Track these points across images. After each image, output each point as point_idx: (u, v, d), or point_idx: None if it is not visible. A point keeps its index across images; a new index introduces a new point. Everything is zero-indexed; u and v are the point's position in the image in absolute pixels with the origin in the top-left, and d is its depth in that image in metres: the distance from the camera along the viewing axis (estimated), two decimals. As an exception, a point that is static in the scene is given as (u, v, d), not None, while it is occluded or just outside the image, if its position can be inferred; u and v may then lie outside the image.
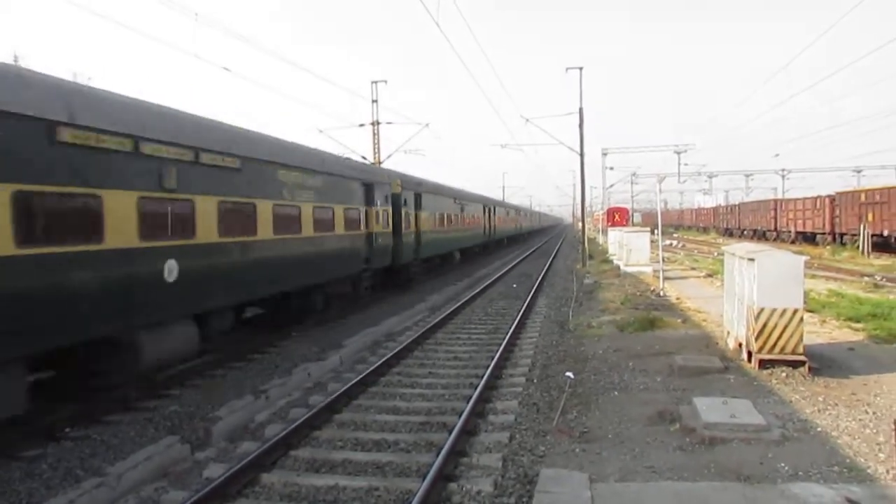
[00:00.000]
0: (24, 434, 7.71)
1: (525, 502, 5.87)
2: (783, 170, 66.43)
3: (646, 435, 7.23)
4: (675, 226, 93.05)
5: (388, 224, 20.55)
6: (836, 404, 8.01)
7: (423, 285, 24.24)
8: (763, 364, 9.44)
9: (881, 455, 6.36)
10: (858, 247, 35.25)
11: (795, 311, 9.28)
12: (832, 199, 41.86)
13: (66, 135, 7.60)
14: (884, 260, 30.78)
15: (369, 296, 19.29)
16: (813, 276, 21.76)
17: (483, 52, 23.15)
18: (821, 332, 12.37)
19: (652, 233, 28.31)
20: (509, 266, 33.60)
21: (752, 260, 9.63)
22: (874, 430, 7.08)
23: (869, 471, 6.02)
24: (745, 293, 9.97)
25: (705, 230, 76.82)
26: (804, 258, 9.87)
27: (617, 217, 39.45)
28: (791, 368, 9.27)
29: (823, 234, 42.58)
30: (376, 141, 33.34)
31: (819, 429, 7.16)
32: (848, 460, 6.27)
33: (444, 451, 6.77)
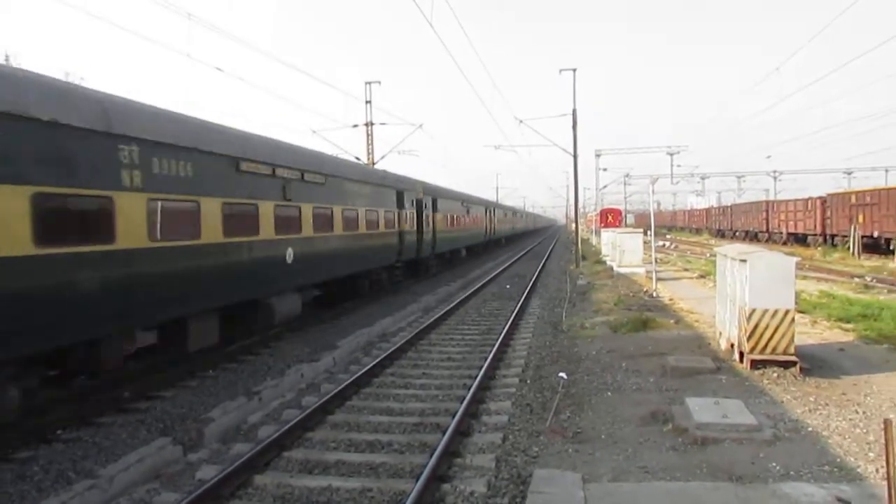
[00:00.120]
0: (16, 436, 7.66)
1: (518, 503, 5.88)
2: (775, 171, 66.86)
3: (638, 435, 7.26)
4: (667, 227, 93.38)
5: (413, 225, 24.40)
6: (827, 404, 8.07)
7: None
8: (755, 364, 9.49)
9: (871, 454, 6.41)
10: (849, 248, 35.51)
11: (787, 312, 9.34)
12: (823, 200, 42.13)
13: (243, 166, 11.71)
14: (874, 261, 31.01)
15: (400, 282, 23.71)
16: (804, 277, 21.91)
17: (476, 54, 23.30)
18: (812, 333, 12.45)
19: (645, 234, 28.43)
20: (503, 267, 33.65)
21: (743, 261, 9.68)
22: (864, 430, 7.13)
23: (859, 470, 6.06)
24: (737, 294, 10.02)
25: (698, 231, 77.15)
26: (795, 259, 9.93)
27: (610, 218, 39.49)
28: (782, 369, 9.33)
29: (814, 235, 42.83)
30: (370, 142, 33.31)
31: (810, 429, 7.21)
32: (838, 460, 6.32)
33: (437, 452, 6.78)
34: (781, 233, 48.29)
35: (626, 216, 52.46)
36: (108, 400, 9.26)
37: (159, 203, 9.36)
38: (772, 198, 60.31)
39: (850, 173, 63.19)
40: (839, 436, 6.99)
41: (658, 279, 20.54)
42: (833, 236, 39.82)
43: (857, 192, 38.11)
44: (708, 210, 77.23)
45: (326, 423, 8.50)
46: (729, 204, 69.75)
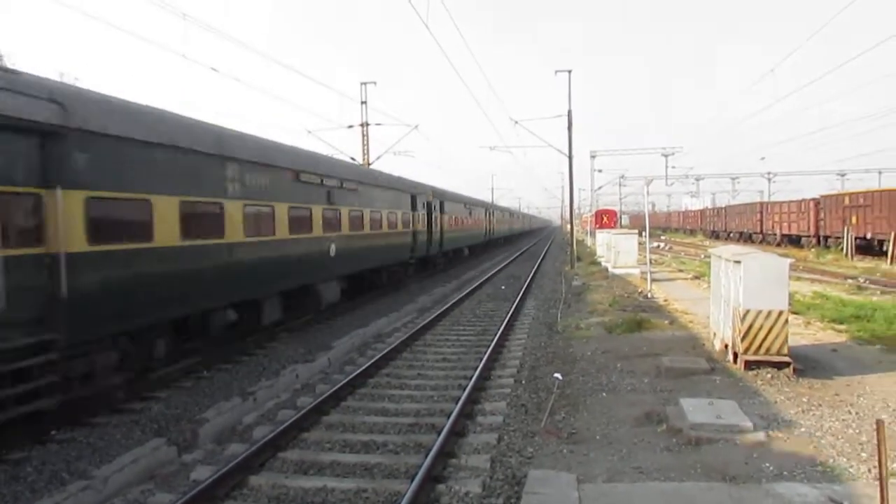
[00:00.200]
0: (9, 436, 7.62)
1: (513, 503, 5.89)
2: (769, 173, 67.04)
3: (633, 436, 7.28)
4: (662, 228, 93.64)
5: (424, 225, 26.82)
6: (820, 405, 8.11)
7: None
8: (748, 365, 9.53)
9: (863, 455, 6.45)
10: (842, 249, 35.67)
11: (780, 313, 9.38)
12: (817, 202, 42.30)
13: (301, 177, 14.24)
14: (867, 262, 31.17)
15: (412, 277, 26.07)
16: (798, 279, 22.00)
17: (472, 54, 23.33)
18: (805, 334, 12.52)
19: (640, 235, 28.48)
20: (498, 268, 33.69)
21: (738, 262, 9.72)
22: (857, 430, 7.18)
23: (852, 470, 6.10)
24: (732, 295, 10.06)
25: (692, 232, 77.38)
26: (789, 261, 9.98)
27: (605, 219, 39.57)
28: (776, 369, 9.37)
29: (808, 236, 43.03)
30: (365, 142, 33.27)
31: (803, 429, 7.25)
32: (831, 460, 6.36)
33: (432, 453, 6.78)
34: (775, 234, 48.48)
35: (621, 217, 52.53)
36: (102, 400, 9.22)
37: (250, 208, 11.93)
38: (766, 199, 60.52)
39: (843, 175, 63.42)
40: (832, 436, 7.03)
41: (653, 280, 20.61)
42: (826, 238, 39.99)
43: (850, 194, 38.28)
44: (702, 211, 77.44)
45: (321, 424, 8.49)
46: (723, 205, 69.98)
